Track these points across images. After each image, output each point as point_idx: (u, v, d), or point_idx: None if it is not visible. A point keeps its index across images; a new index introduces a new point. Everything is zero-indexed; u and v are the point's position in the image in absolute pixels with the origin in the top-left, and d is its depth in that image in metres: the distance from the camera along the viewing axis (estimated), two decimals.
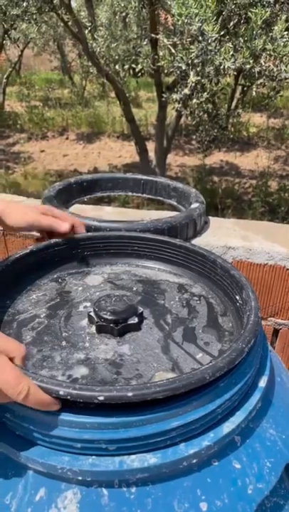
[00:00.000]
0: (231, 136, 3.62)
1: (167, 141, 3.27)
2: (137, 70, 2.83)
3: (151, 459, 0.41)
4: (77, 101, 6.28)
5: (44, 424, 0.41)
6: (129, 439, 0.40)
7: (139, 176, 1.07)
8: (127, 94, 3.92)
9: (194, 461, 0.42)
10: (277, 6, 2.04)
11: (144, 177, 1.07)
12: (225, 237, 0.90)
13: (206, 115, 2.39)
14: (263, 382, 0.49)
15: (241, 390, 0.46)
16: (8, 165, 4.57)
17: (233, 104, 2.91)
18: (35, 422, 0.41)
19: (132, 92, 6.26)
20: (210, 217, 0.99)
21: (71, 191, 0.99)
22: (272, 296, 0.89)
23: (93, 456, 0.41)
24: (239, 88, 2.91)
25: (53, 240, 0.67)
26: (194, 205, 0.92)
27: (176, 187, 1.04)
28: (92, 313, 0.55)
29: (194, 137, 2.72)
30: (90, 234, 0.70)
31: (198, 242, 0.88)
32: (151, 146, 3.54)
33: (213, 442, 0.43)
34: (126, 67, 2.93)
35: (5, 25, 2.61)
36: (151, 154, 3.46)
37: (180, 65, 1.99)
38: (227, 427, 0.44)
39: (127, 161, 4.63)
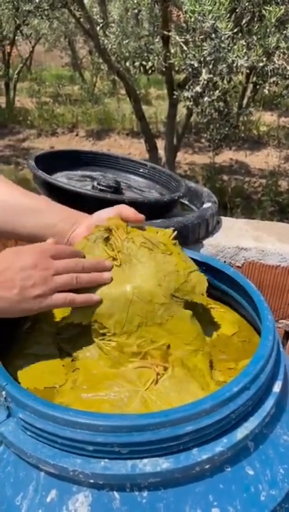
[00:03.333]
0: (242, 134, 3.59)
1: (177, 139, 3.25)
2: (147, 67, 2.82)
3: (164, 464, 0.40)
4: (88, 97, 6.26)
5: (57, 425, 0.41)
6: (142, 443, 0.40)
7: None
8: (138, 92, 3.90)
9: (207, 466, 0.42)
10: None
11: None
12: (237, 237, 0.90)
13: (217, 113, 2.37)
14: (277, 388, 0.48)
15: (255, 395, 0.45)
16: (17, 161, 4.58)
17: (244, 102, 2.89)
18: (48, 423, 0.41)
19: (143, 89, 6.24)
20: (222, 217, 0.98)
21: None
22: (283, 298, 0.88)
23: (105, 459, 0.40)
24: (250, 86, 2.88)
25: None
26: (207, 205, 0.92)
27: (188, 186, 1.03)
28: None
29: (204, 135, 2.70)
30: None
31: (210, 242, 0.88)
32: (160, 144, 3.52)
33: (227, 448, 0.42)
34: (136, 64, 2.92)
35: (17, 21, 2.61)
36: (161, 152, 3.45)
37: (192, 62, 1.97)
38: (241, 432, 0.43)
39: (137, 158, 4.62)
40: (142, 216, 0.60)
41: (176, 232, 0.59)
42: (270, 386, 0.48)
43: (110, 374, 0.52)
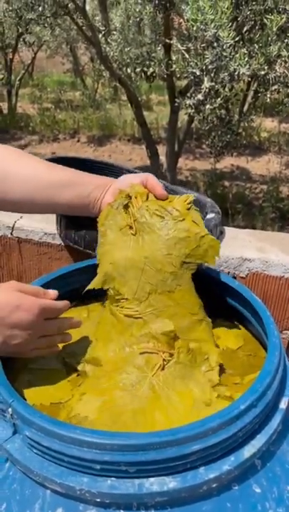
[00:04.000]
0: (244, 141, 3.60)
1: (178, 145, 3.26)
2: (148, 73, 2.83)
3: (171, 483, 0.40)
4: (89, 103, 6.29)
5: (63, 443, 0.41)
6: (149, 462, 0.40)
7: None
8: (139, 98, 3.92)
9: (214, 485, 0.41)
10: None
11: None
12: (240, 248, 0.90)
13: (218, 121, 2.38)
14: (283, 404, 0.48)
15: (262, 412, 0.45)
16: None
17: (245, 108, 2.90)
18: (54, 441, 0.41)
19: (144, 95, 6.26)
20: (225, 228, 0.98)
21: None
22: (288, 309, 0.88)
23: (112, 478, 0.40)
24: (251, 92, 2.89)
25: None
26: (210, 216, 0.92)
27: None
28: None
29: (206, 142, 2.71)
30: None
31: None
32: (161, 150, 3.53)
33: (234, 467, 0.42)
34: (138, 70, 2.93)
35: (20, 29, 2.63)
36: (162, 158, 3.46)
37: (194, 70, 1.98)
38: (248, 450, 0.43)
39: (138, 164, 4.63)
40: (165, 193, 0.61)
41: (193, 197, 0.60)
42: (277, 403, 0.48)
43: (120, 360, 0.55)
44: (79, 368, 0.55)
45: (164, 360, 0.54)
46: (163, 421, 0.49)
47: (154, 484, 0.40)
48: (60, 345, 0.58)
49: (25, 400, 0.51)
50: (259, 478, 0.44)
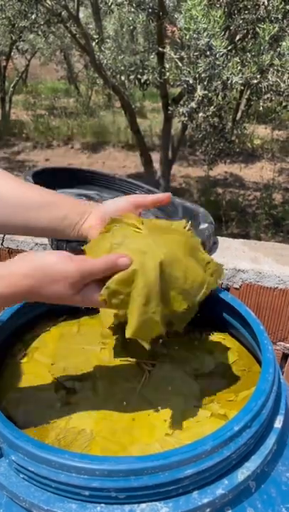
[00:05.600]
0: (237, 149, 3.61)
1: (172, 153, 3.26)
2: (142, 80, 2.84)
3: (163, 509, 0.39)
4: (83, 110, 6.29)
5: (51, 469, 0.39)
6: (139, 488, 0.38)
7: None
8: (133, 105, 3.93)
9: (207, 510, 0.40)
10: (285, 21, 2.04)
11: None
12: (234, 258, 0.89)
13: (212, 129, 2.38)
14: (278, 423, 0.47)
15: (257, 432, 0.43)
16: (12, 173, 4.57)
17: (238, 115, 2.91)
18: (41, 467, 0.39)
19: (138, 102, 6.28)
20: (218, 238, 0.97)
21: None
22: (281, 321, 0.87)
23: (102, 504, 0.39)
24: (244, 100, 2.91)
25: None
26: (203, 226, 0.91)
27: (184, 205, 1.02)
28: None
29: (199, 149, 2.71)
30: None
31: None
32: (155, 157, 3.54)
33: (228, 490, 0.40)
34: (132, 77, 2.94)
35: (13, 37, 2.62)
36: (156, 165, 3.46)
37: (187, 78, 1.98)
38: (242, 473, 0.42)
39: (132, 171, 4.63)
40: (155, 197, 0.58)
41: (190, 222, 0.58)
42: (272, 422, 0.47)
43: (109, 374, 0.55)
44: (68, 384, 0.54)
45: (148, 371, 0.56)
46: (159, 424, 0.50)
47: (145, 510, 0.39)
48: (49, 362, 0.57)
49: (13, 419, 0.49)
50: (253, 500, 0.43)
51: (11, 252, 0.94)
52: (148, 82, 2.83)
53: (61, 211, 0.58)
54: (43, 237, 0.67)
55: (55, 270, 0.47)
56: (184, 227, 0.57)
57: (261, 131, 5.48)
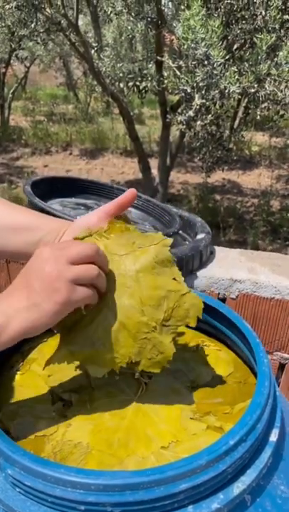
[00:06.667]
0: (235, 158, 3.63)
1: (170, 159, 3.28)
2: (141, 87, 2.86)
3: None
4: (82, 117, 6.33)
5: (47, 483, 0.39)
6: (135, 502, 0.38)
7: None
8: (131, 112, 3.95)
9: None
10: (282, 31, 2.06)
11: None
12: (231, 269, 0.89)
13: (209, 137, 2.40)
14: (274, 436, 0.47)
15: (252, 446, 0.44)
16: (11, 179, 4.58)
17: (236, 123, 2.93)
18: (37, 481, 0.40)
19: (136, 109, 6.32)
20: (215, 247, 0.98)
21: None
22: (278, 331, 0.88)
23: None
24: (242, 108, 2.93)
25: None
26: (200, 236, 0.91)
27: (181, 215, 1.03)
28: None
29: (197, 156, 2.73)
30: None
31: (204, 273, 0.87)
32: (153, 163, 3.55)
33: (223, 504, 0.41)
34: (130, 84, 2.96)
35: (12, 45, 2.64)
36: (154, 171, 3.48)
37: (185, 87, 2.00)
38: (237, 487, 0.42)
39: (130, 178, 4.65)
40: (120, 198, 0.55)
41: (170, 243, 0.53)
42: (267, 435, 0.47)
43: (104, 386, 0.55)
44: (65, 396, 0.54)
45: (145, 383, 0.56)
46: (155, 436, 0.50)
47: None
48: (46, 374, 0.57)
49: (9, 432, 0.50)
50: None
51: (9, 262, 0.95)
52: (146, 89, 2.85)
53: (35, 235, 0.56)
54: (19, 260, 0.66)
55: (34, 260, 0.47)
56: (158, 242, 0.52)
57: (259, 138, 5.51)
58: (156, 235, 0.53)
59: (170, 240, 0.52)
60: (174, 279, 0.51)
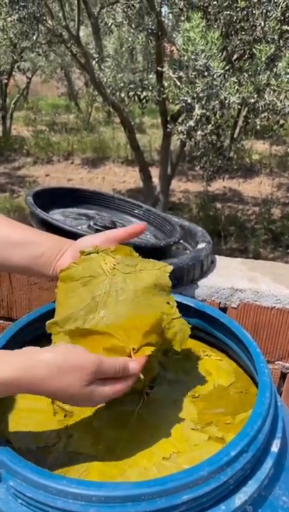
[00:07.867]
0: (235, 167, 3.65)
1: (171, 168, 3.30)
2: (141, 97, 2.89)
3: None
4: (83, 126, 6.38)
5: (48, 495, 0.39)
6: None
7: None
8: (132, 121, 3.99)
9: None
10: (281, 41, 2.08)
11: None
12: (232, 278, 0.89)
13: (210, 146, 2.42)
14: (275, 447, 0.47)
15: (254, 457, 0.44)
16: (13, 188, 4.61)
17: (236, 132, 2.95)
18: (39, 493, 0.40)
19: (137, 118, 6.37)
20: (216, 256, 0.98)
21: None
22: (279, 340, 0.88)
23: None
24: (242, 118, 2.96)
25: None
26: (201, 245, 0.92)
27: (182, 225, 1.04)
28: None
29: (198, 165, 2.75)
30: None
31: (205, 283, 0.87)
32: (154, 172, 3.57)
33: None
34: (131, 94, 2.99)
35: (14, 56, 2.68)
36: (155, 180, 3.49)
37: (185, 98, 2.02)
38: (239, 498, 0.42)
39: (131, 186, 4.67)
40: (130, 228, 0.59)
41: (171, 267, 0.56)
42: (269, 445, 0.47)
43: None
44: (66, 407, 0.54)
45: (146, 393, 0.56)
46: (157, 447, 0.50)
47: None
48: None
49: (11, 443, 0.50)
50: None
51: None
52: (147, 98, 2.88)
53: (37, 250, 0.59)
54: (22, 274, 0.68)
55: (77, 359, 0.46)
56: (160, 268, 0.55)
57: (259, 147, 5.54)
58: (159, 263, 0.57)
59: (170, 267, 0.56)
60: (168, 303, 0.54)
